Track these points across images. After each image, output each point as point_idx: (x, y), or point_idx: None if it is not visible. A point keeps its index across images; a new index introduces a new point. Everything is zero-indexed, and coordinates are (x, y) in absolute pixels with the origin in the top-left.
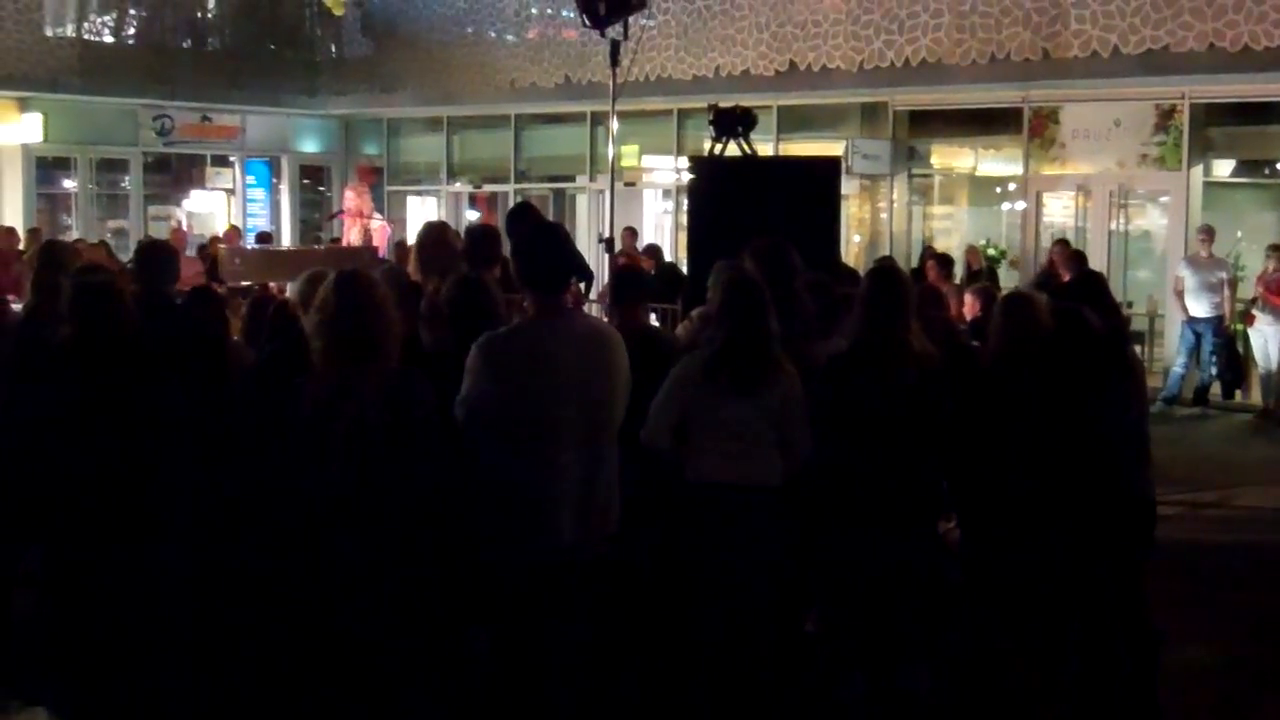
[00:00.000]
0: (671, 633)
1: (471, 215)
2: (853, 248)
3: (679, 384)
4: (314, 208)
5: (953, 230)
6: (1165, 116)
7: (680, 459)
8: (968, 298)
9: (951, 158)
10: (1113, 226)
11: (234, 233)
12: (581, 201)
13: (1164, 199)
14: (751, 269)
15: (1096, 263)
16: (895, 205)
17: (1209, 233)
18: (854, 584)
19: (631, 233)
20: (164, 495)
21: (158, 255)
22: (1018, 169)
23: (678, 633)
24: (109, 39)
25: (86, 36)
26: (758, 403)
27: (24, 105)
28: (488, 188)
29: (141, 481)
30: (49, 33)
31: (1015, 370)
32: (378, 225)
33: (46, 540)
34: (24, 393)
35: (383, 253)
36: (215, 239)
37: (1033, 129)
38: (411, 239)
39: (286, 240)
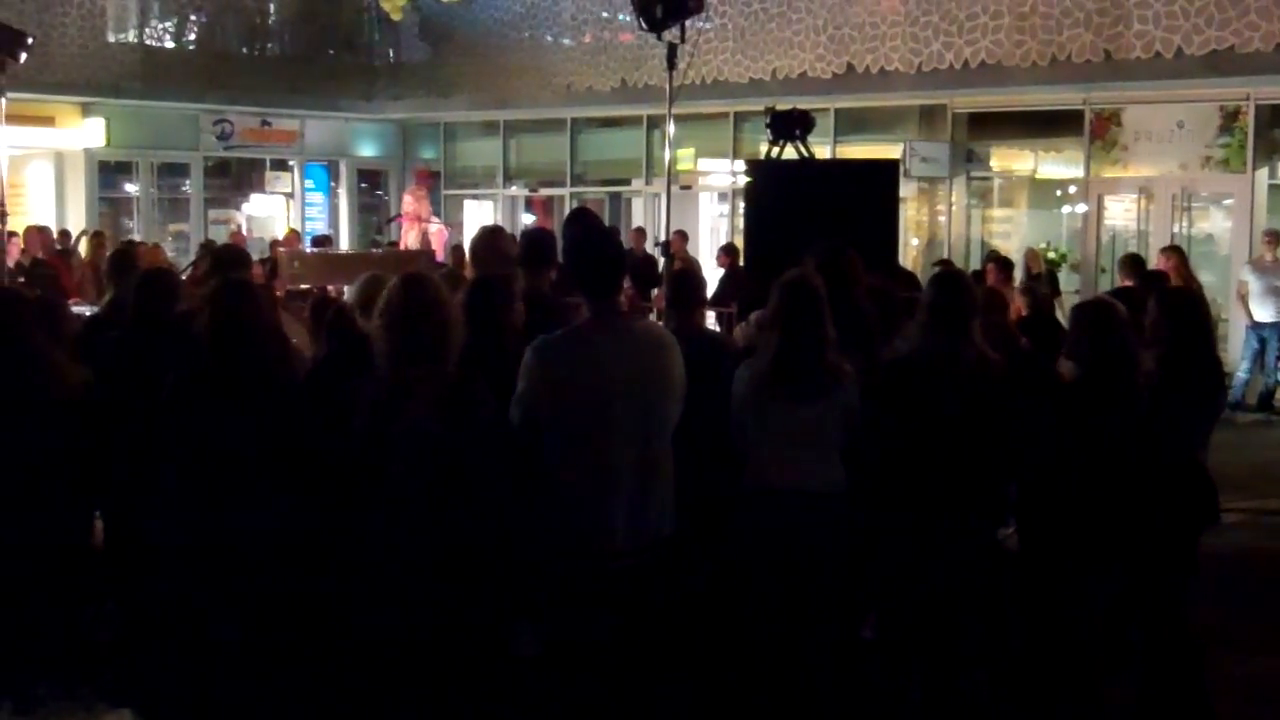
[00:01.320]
0: (726, 637)
1: (527, 219)
2: (911, 251)
3: (737, 391)
4: (371, 211)
5: (1012, 233)
6: (1230, 118)
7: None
8: (1016, 298)
9: (1011, 160)
10: (1176, 230)
11: (293, 236)
12: (637, 205)
13: (1228, 202)
14: (813, 274)
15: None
16: (954, 208)
17: (1274, 236)
18: (910, 588)
19: (682, 236)
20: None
21: (230, 258)
22: (1078, 171)
23: (732, 637)
24: (170, 44)
25: (148, 42)
26: (816, 408)
27: (87, 110)
28: (544, 191)
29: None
30: (111, 39)
31: (1101, 386)
32: (435, 229)
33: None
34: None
35: (440, 256)
36: (275, 243)
37: (1094, 131)
38: (468, 243)
39: (344, 244)
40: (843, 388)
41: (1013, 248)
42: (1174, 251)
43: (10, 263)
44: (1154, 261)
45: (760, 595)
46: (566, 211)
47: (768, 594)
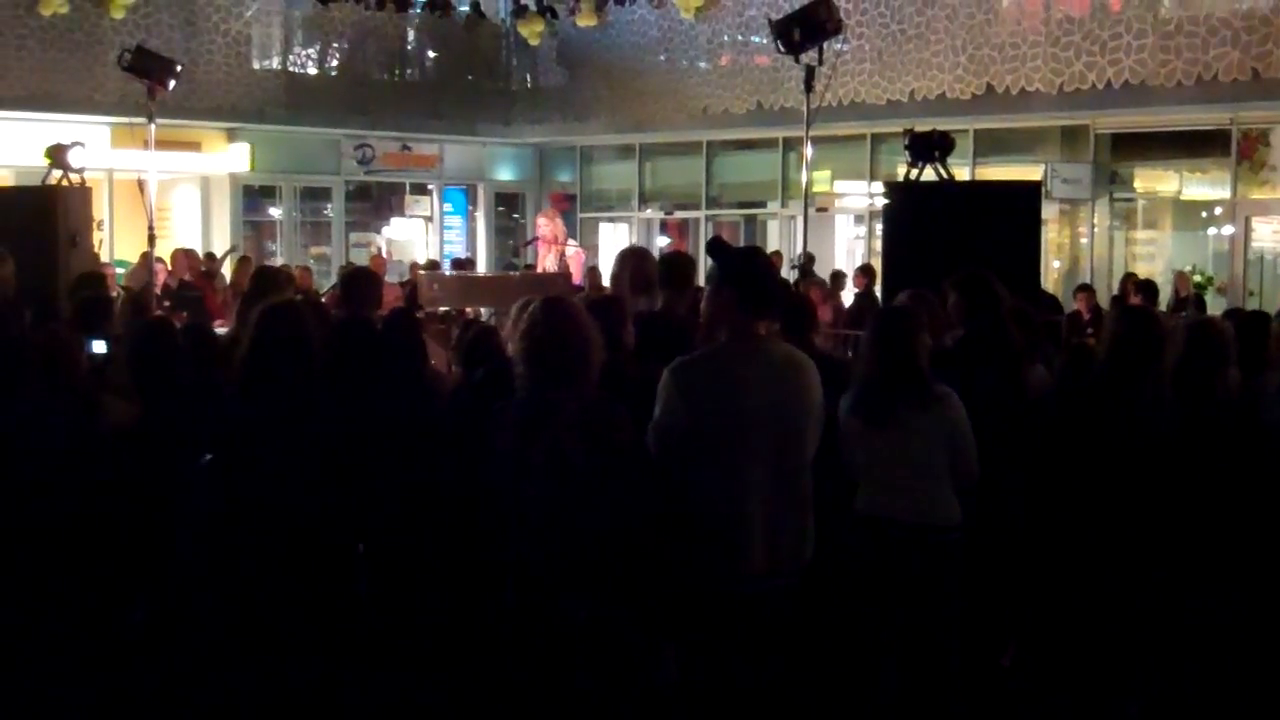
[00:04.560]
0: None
1: (662, 241)
2: (1052, 274)
3: (840, 419)
4: (508, 234)
5: (1156, 256)
6: None
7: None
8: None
9: (1155, 181)
10: None
11: (431, 265)
12: (772, 227)
13: None
14: (953, 300)
15: None
16: (1096, 230)
17: None
18: (1065, 621)
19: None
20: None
21: (361, 281)
22: (1225, 193)
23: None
24: (313, 71)
25: (291, 69)
26: (911, 433)
27: (232, 135)
28: (679, 214)
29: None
30: (256, 65)
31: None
32: (572, 251)
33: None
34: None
35: (578, 279)
36: (415, 265)
37: (1241, 151)
38: (604, 265)
39: (481, 267)
40: (942, 411)
41: (1156, 270)
42: None
43: (157, 286)
44: None
45: (868, 622)
46: (702, 234)
47: (876, 621)
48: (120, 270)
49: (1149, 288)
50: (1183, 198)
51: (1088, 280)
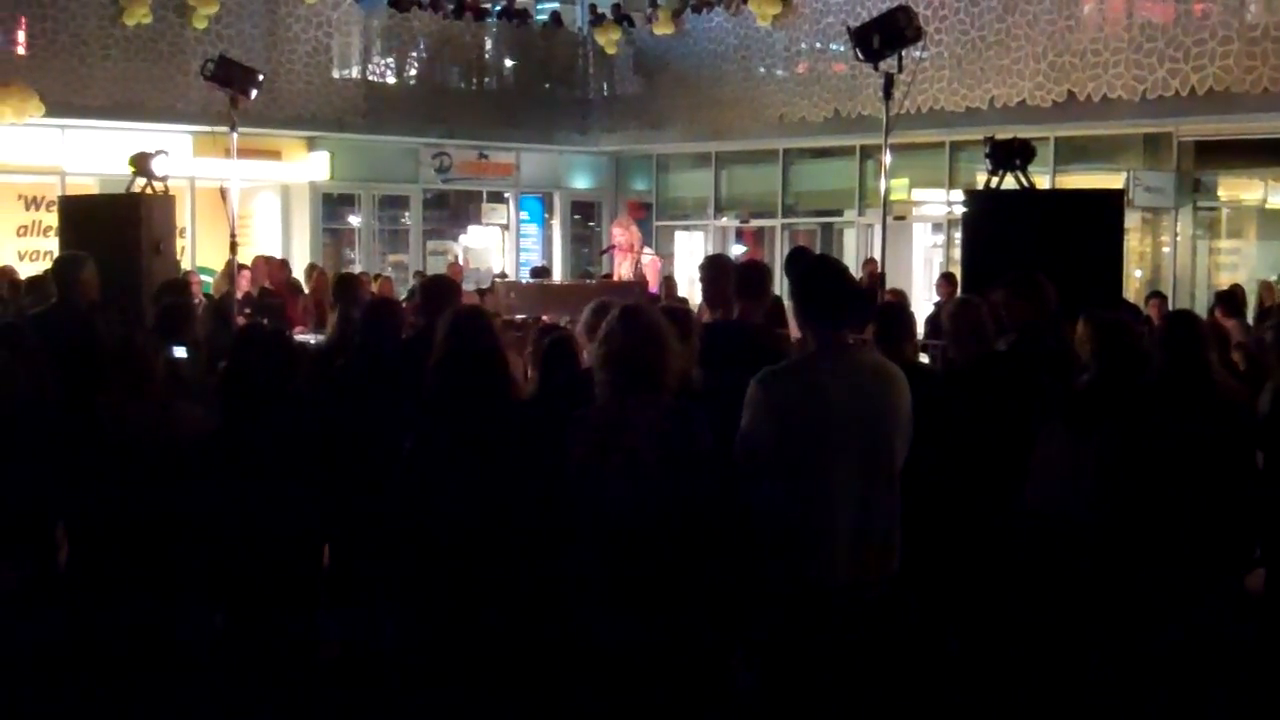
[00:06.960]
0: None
1: (738, 250)
2: (1133, 283)
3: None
4: (584, 242)
5: (1240, 265)
6: None
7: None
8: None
9: (1240, 189)
10: None
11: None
12: (849, 235)
13: None
14: (1005, 302)
15: None
16: (1179, 239)
17: None
18: (1151, 635)
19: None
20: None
21: (440, 289)
22: None
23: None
24: (391, 80)
25: (370, 78)
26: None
27: (312, 144)
28: (755, 222)
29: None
30: (336, 75)
31: None
32: (648, 259)
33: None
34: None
35: (653, 286)
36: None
37: None
38: (680, 274)
39: (557, 274)
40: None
41: (1241, 279)
42: None
43: (239, 293)
44: None
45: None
46: (779, 242)
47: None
48: (207, 279)
49: (1228, 298)
50: (1268, 206)
51: (1170, 289)
